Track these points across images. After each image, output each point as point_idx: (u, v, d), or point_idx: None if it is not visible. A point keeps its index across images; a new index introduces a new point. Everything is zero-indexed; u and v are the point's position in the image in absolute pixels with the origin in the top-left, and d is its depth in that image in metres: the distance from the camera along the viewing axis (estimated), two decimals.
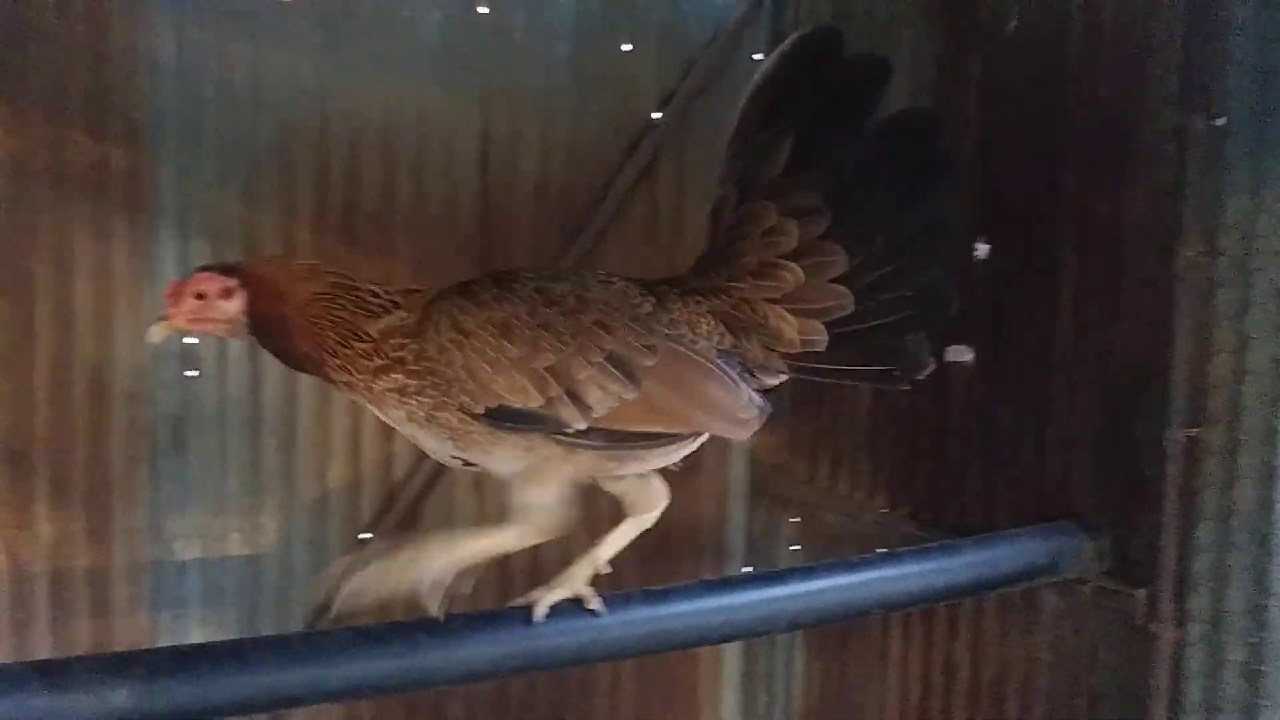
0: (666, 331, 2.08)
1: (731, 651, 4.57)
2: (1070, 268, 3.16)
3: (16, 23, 3.30)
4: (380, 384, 2.06)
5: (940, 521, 3.65)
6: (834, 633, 4.13)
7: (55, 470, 3.45)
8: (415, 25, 3.76)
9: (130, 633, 3.57)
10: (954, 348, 3.54)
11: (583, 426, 2.03)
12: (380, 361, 2.05)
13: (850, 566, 2.66)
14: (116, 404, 3.50)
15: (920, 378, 2.15)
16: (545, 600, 2.15)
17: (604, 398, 2.02)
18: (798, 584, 2.56)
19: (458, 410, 2.04)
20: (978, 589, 2.86)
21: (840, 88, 2.13)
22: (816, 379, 2.19)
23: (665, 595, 2.41)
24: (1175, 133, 2.77)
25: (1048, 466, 3.25)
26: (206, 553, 3.66)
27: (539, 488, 2.11)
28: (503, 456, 2.10)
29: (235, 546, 3.69)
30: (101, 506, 3.51)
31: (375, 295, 2.10)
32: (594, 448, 2.08)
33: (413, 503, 3.87)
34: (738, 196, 2.13)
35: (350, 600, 2.07)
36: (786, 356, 2.14)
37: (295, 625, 3.76)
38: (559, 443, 2.06)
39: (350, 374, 2.08)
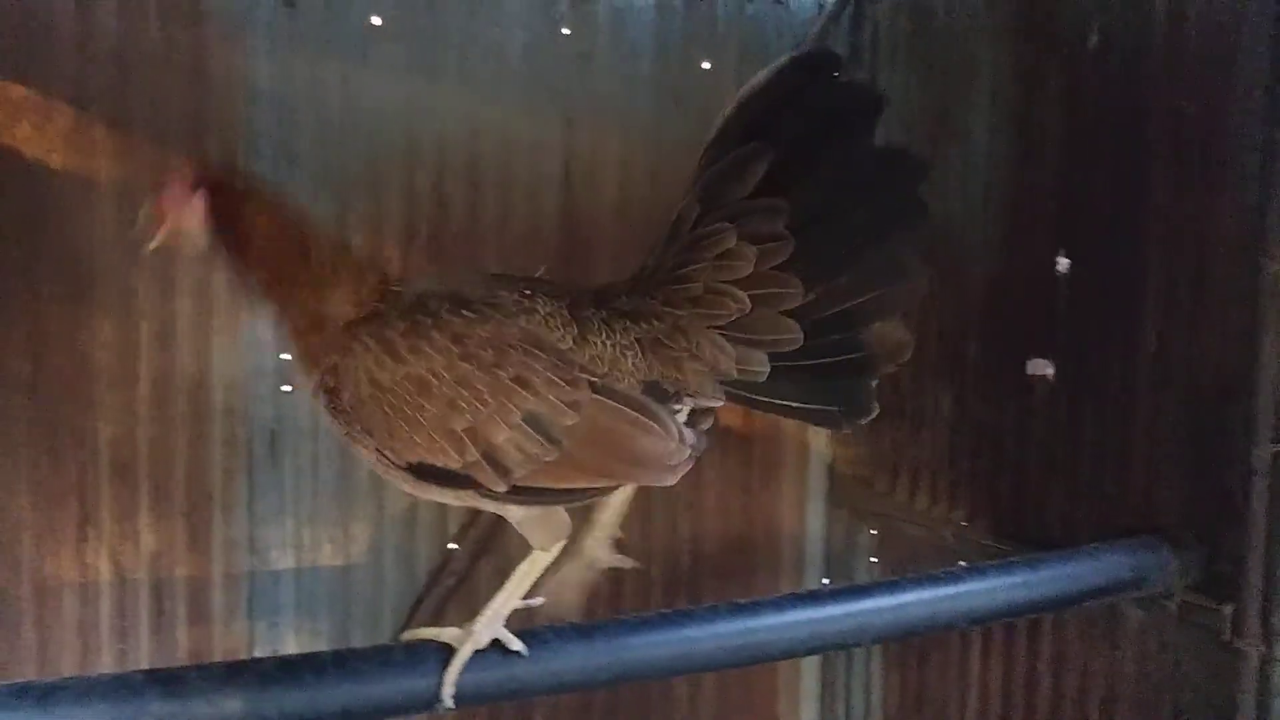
0: (588, 372, 1.96)
1: (810, 662, 4.59)
2: (1154, 281, 3.14)
3: (122, 53, 3.45)
4: (318, 357, 2.00)
5: (1022, 535, 3.63)
6: (913, 644, 4.13)
7: (157, 482, 3.58)
8: (501, 47, 3.85)
9: (227, 640, 3.69)
10: (1035, 361, 3.54)
11: (501, 489, 1.95)
12: (334, 348, 1.98)
13: (935, 580, 2.67)
14: (215, 418, 3.63)
15: (862, 422, 2.03)
16: (453, 665, 2.07)
17: (523, 460, 1.92)
18: (883, 597, 2.58)
19: (379, 456, 1.99)
20: (1061, 604, 2.85)
21: (829, 114, 1.99)
22: (753, 408, 2.07)
23: (753, 608, 2.44)
24: (1262, 146, 2.76)
25: (1131, 480, 3.23)
26: (300, 562, 3.77)
27: (514, 513, 2.07)
28: (435, 498, 2.08)
29: (327, 556, 3.80)
30: (200, 517, 3.64)
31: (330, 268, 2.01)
32: (518, 503, 2.02)
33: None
34: (699, 211, 1.97)
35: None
36: (721, 383, 2.03)
37: (385, 633, 3.86)
38: (485, 496, 2.00)
39: (289, 327, 2.03)
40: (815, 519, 4.57)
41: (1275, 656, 2.78)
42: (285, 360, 3.68)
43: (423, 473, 1.98)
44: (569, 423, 1.93)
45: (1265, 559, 2.78)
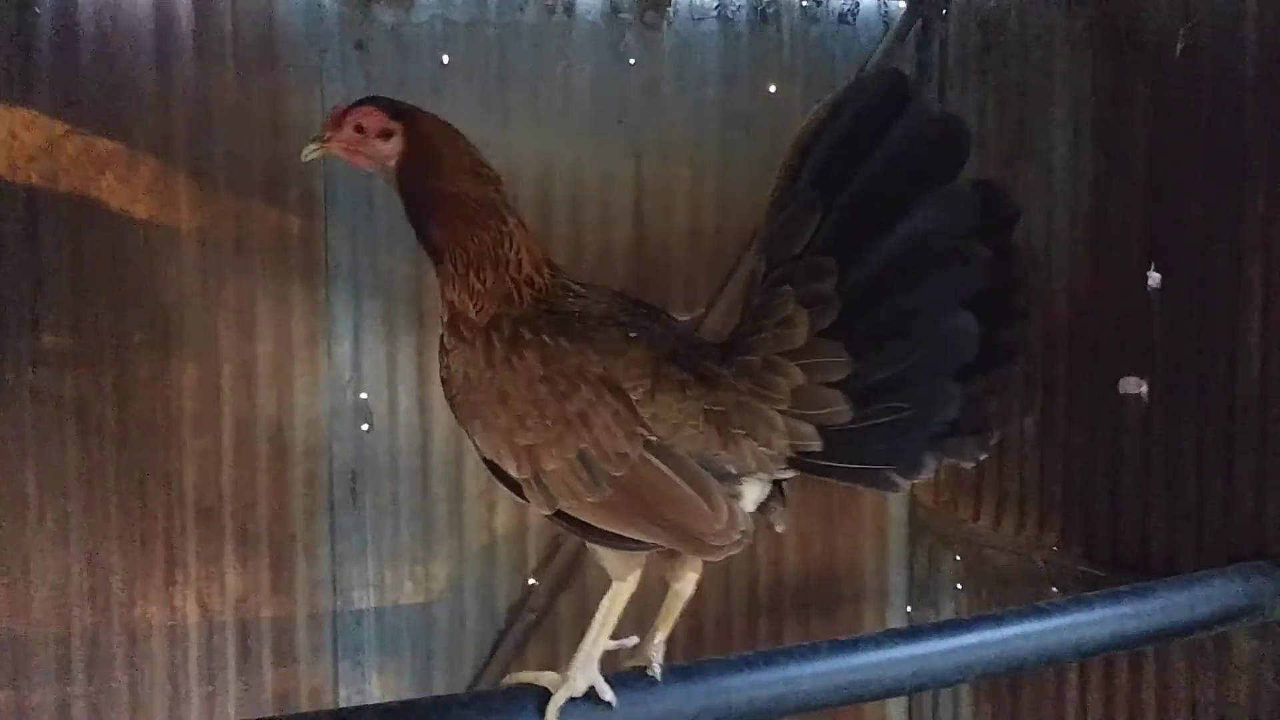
0: (646, 429, 1.93)
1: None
2: (1255, 295, 3.04)
3: (201, 104, 3.51)
4: (445, 340, 2.05)
5: (1117, 561, 3.52)
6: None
7: (241, 524, 3.61)
8: (568, 80, 3.85)
9: (312, 680, 3.70)
10: (1127, 379, 3.44)
11: (547, 512, 1.99)
12: (452, 332, 2.04)
13: (1040, 613, 2.59)
14: (296, 459, 3.65)
15: (917, 480, 1.91)
16: (551, 707, 2.03)
17: (568, 493, 1.95)
18: (987, 631, 2.50)
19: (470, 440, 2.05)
20: (1173, 634, 2.74)
21: (894, 153, 1.78)
22: (809, 474, 1.97)
23: (853, 645, 2.38)
24: None
25: (1237, 503, 3.11)
26: (382, 601, 3.77)
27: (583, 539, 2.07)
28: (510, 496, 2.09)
29: (409, 595, 3.79)
30: (284, 558, 3.66)
31: (515, 265, 2.05)
32: (561, 527, 2.04)
33: (576, 548, 3.91)
34: (766, 268, 1.89)
35: None
36: (776, 460, 1.94)
37: (467, 671, 3.85)
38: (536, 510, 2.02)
39: (446, 299, 2.05)
40: (897, 546, 4.49)
41: None
42: (364, 399, 3.70)
43: (495, 471, 2.04)
44: (616, 473, 1.93)
45: None
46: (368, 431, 3.71)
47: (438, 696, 2.12)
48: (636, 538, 2.00)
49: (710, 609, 4.12)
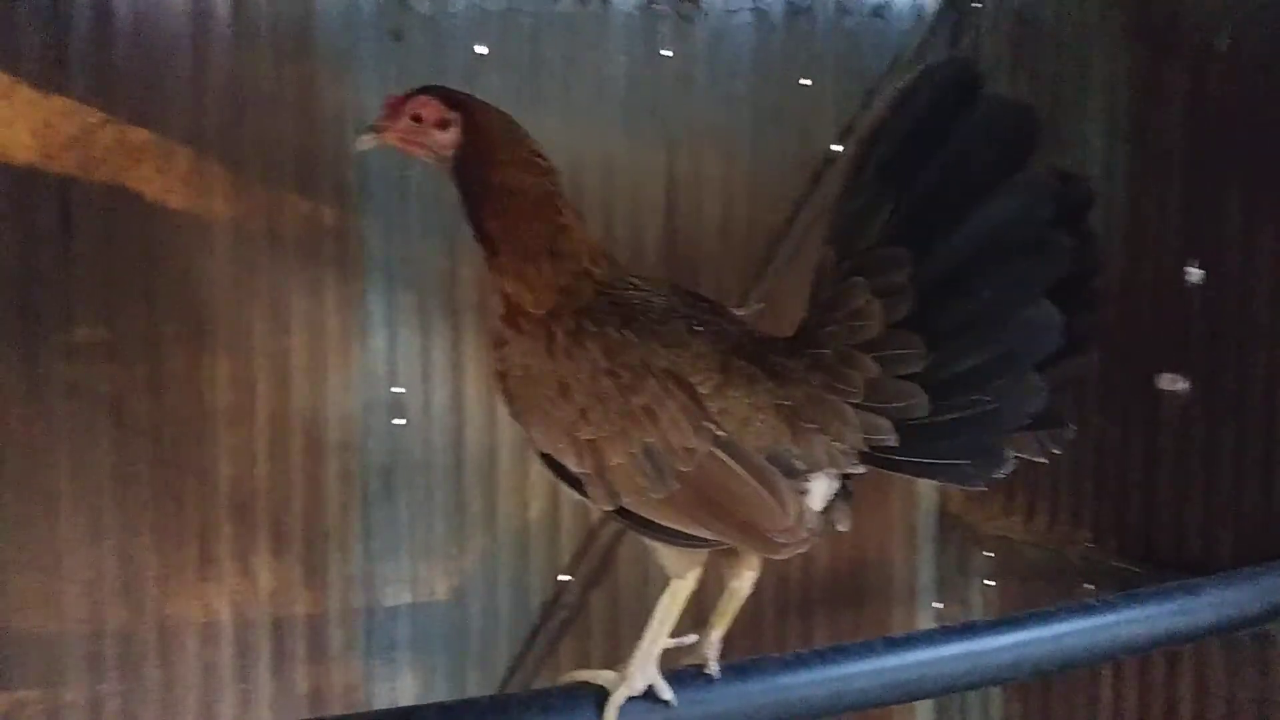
0: (714, 423, 1.88)
1: None
2: None
3: (234, 95, 3.48)
4: (499, 332, 2.00)
5: (1153, 556, 3.52)
6: None
7: (274, 521, 3.58)
8: (602, 70, 3.83)
9: (345, 676, 3.68)
10: (1166, 375, 3.42)
11: (607, 508, 1.94)
12: (508, 325, 1.97)
13: (1090, 610, 2.55)
14: (330, 454, 3.62)
15: (997, 476, 1.84)
16: (611, 707, 1.98)
17: (631, 489, 1.91)
18: (1039, 629, 2.46)
19: (525, 435, 2.00)
20: (1223, 630, 2.71)
21: (966, 144, 1.74)
22: (885, 470, 1.90)
23: (907, 642, 2.35)
24: None
25: (1276, 498, 3.11)
26: (415, 597, 3.74)
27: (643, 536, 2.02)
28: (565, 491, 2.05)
29: (442, 590, 3.77)
30: (317, 554, 3.63)
31: (573, 257, 1.99)
32: (621, 524, 1.99)
33: (609, 544, 3.90)
34: (836, 259, 1.84)
35: None
36: (848, 455, 1.88)
37: (500, 667, 3.83)
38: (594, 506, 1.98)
39: (498, 289, 1.99)
40: (927, 542, 4.47)
41: None
42: (398, 393, 3.67)
43: (552, 465, 1.99)
44: (683, 468, 1.88)
45: None
46: (402, 426, 3.69)
47: (495, 695, 2.10)
48: (701, 535, 1.95)
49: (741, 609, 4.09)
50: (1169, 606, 2.64)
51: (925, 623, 4.40)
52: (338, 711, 3.64)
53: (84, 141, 3.34)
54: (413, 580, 3.73)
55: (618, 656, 3.95)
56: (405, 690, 3.72)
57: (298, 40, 3.51)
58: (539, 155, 2.07)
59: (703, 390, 1.91)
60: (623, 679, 2.03)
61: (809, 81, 4.11)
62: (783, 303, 3.88)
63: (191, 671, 3.52)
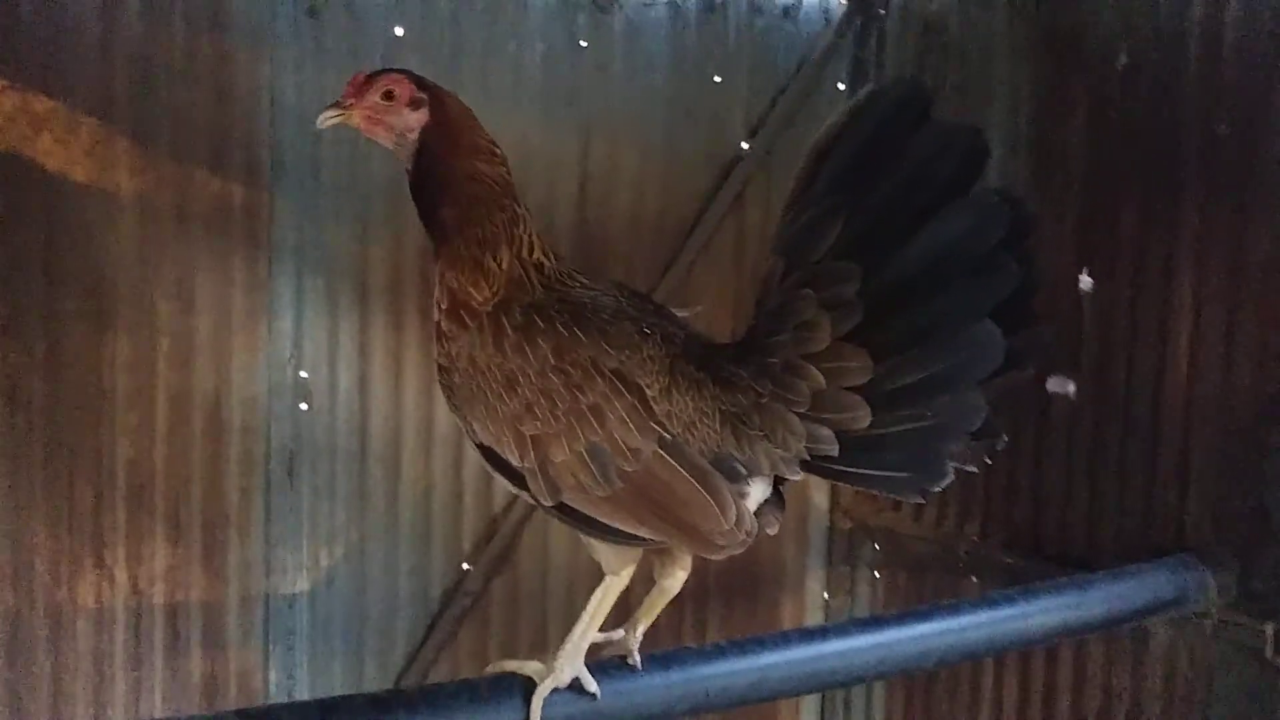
0: (661, 426, 1.93)
1: None
2: (1186, 302, 3.18)
3: (144, 65, 3.36)
4: (444, 327, 2.01)
5: (1038, 552, 3.65)
6: None
7: (172, 505, 3.49)
8: (521, 59, 3.81)
9: (242, 664, 3.60)
10: (1055, 378, 3.56)
11: (548, 504, 1.97)
12: (454, 317, 2.00)
13: (992, 603, 2.68)
14: (232, 438, 3.54)
15: (936, 490, 1.92)
16: (536, 697, 2.02)
17: (575, 485, 1.94)
18: (945, 620, 2.58)
19: (466, 429, 2.03)
20: (1111, 624, 2.87)
21: (916, 166, 1.80)
22: (826, 478, 2.00)
23: (822, 634, 2.45)
24: None
25: (1159, 499, 3.26)
26: (315, 584, 3.68)
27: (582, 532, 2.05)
28: (505, 486, 2.07)
29: (342, 578, 3.72)
30: (216, 540, 3.55)
31: (527, 248, 2.02)
32: (560, 519, 2.02)
33: (512, 533, 3.90)
34: (783, 270, 1.89)
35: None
36: (789, 462, 1.95)
37: (399, 655, 3.80)
38: (534, 500, 2.01)
39: (446, 280, 2.01)
40: (817, 535, 4.56)
41: None
42: (303, 378, 3.61)
43: (490, 458, 2.01)
44: (627, 468, 1.92)
45: None
46: (306, 411, 3.62)
47: (425, 685, 2.12)
48: (640, 534, 1.98)
49: (637, 596, 4.12)
50: (1063, 600, 2.79)
51: (814, 614, 4.49)
52: (233, 700, 3.58)
53: None
54: (313, 567, 3.67)
55: (516, 644, 3.98)
56: (302, 679, 3.66)
57: (212, 12, 3.41)
58: (495, 144, 2.09)
59: (650, 392, 1.95)
60: (550, 670, 2.06)
61: (720, 79, 4.15)
62: (689, 297, 3.93)
63: (83, 659, 3.40)
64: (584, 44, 3.90)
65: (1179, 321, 3.21)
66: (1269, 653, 2.90)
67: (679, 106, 4.08)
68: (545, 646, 3.88)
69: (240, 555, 3.57)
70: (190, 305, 3.45)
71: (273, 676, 3.64)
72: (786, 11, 4.24)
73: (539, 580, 3.94)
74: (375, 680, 3.74)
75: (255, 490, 3.58)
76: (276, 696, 3.61)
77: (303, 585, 3.66)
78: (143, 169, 3.36)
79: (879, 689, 4.39)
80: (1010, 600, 2.72)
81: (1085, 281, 3.48)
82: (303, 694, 3.64)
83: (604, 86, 3.95)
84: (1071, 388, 3.54)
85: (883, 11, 4.32)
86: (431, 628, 3.83)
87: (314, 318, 3.62)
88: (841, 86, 4.33)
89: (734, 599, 4.38)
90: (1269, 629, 2.90)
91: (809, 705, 4.58)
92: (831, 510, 4.54)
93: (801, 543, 4.53)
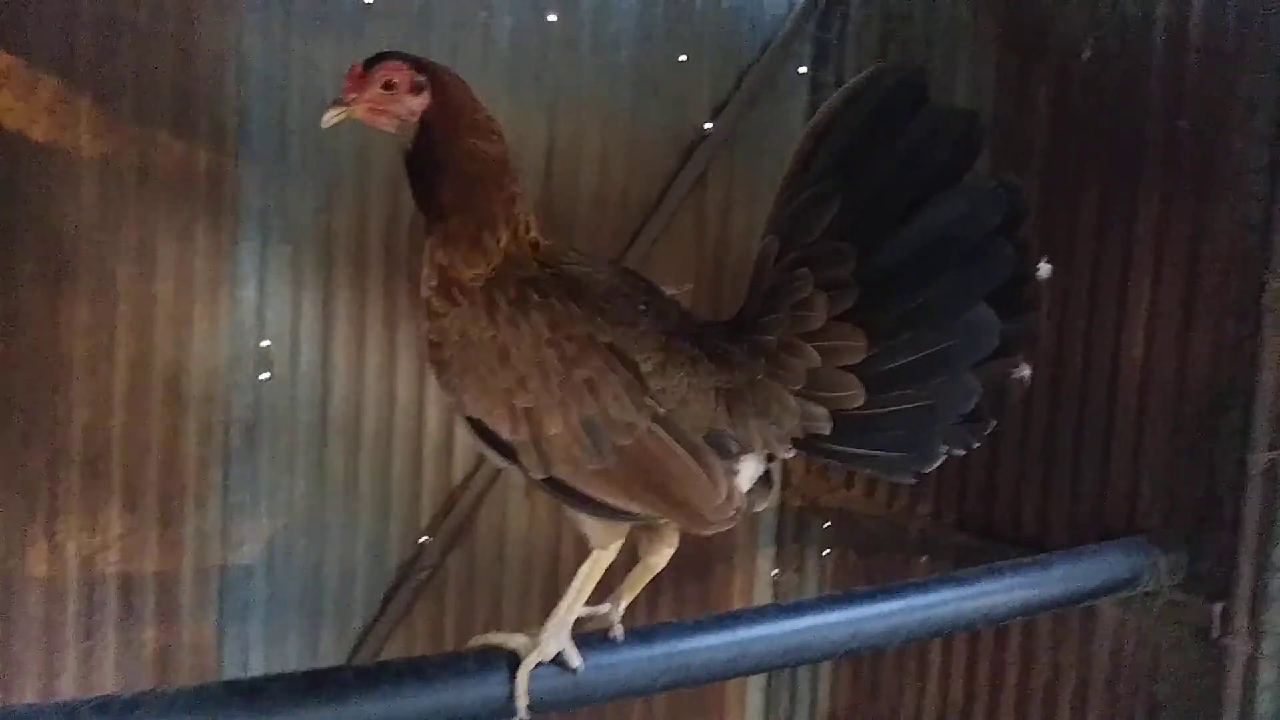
0: (655, 401, 1.93)
1: None
2: (1142, 290, 3.26)
3: (108, 23, 3.27)
4: (435, 304, 1.99)
5: (991, 532, 3.73)
6: None
7: (128, 473, 3.42)
8: (489, 30, 3.78)
9: (196, 637, 3.55)
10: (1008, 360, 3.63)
11: (539, 477, 1.96)
12: (444, 294, 1.97)
13: (958, 581, 2.74)
14: (191, 407, 3.48)
15: (926, 471, 1.93)
16: (522, 671, 2.03)
17: (567, 459, 1.93)
18: (915, 597, 2.63)
19: (455, 401, 2.02)
20: (1068, 602, 2.95)
21: (911, 149, 1.82)
22: (818, 458, 1.99)
23: (797, 609, 2.48)
24: (1268, 169, 2.88)
25: (1112, 483, 3.35)
26: (271, 556, 3.64)
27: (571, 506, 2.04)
28: (491, 460, 2.06)
29: (300, 550, 3.68)
30: (172, 510, 3.49)
31: (525, 226, 2.02)
32: (549, 493, 2.02)
33: (471, 507, 3.89)
34: (779, 250, 1.91)
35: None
36: (782, 440, 1.95)
37: (355, 628, 3.78)
38: (523, 474, 2.00)
39: (436, 257, 1.99)
40: (767, 511, 4.60)
41: (1262, 653, 2.93)
42: (265, 347, 3.55)
43: (480, 431, 1.99)
44: (621, 442, 1.92)
45: (1256, 560, 2.94)
46: (267, 381, 3.57)
47: (411, 658, 2.09)
48: (631, 509, 1.99)
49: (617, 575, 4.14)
50: (1025, 579, 2.86)
51: (763, 591, 4.54)
52: (187, 673, 3.53)
53: None
54: (270, 539, 3.63)
55: (471, 618, 3.97)
56: (257, 652, 3.62)
57: None
58: (494, 121, 2.08)
59: (645, 368, 1.95)
60: (535, 644, 2.06)
61: (685, 58, 4.15)
62: (650, 275, 3.93)
63: (33, 628, 3.32)
64: (552, 18, 3.88)
65: (1135, 310, 3.29)
66: (1215, 632, 3.00)
67: (645, 84, 4.09)
68: (500, 620, 3.89)
69: (197, 525, 3.51)
70: (151, 270, 3.37)
71: (227, 648, 3.59)
72: None
73: (496, 554, 3.94)
74: (330, 653, 3.71)
75: (214, 460, 3.52)
76: (230, 669, 3.57)
77: (260, 557, 3.62)
78: (105, 129, 3.27)
79: (825, 668, 4.45)
80: (975, 579, 2.79)
81: (1044, 269, 3.53)
82: (257, 667, 3.61)
83: (571, 62, 3.94)
84: (1027, 372, 3.60)
85: None
86: (388, 600, 3.81)
87: (277, 286, 3.56)
88: (804, 70, 4.36)
89: (685, 578, 4.41)
90: (1216, 609, 3.00)
91: (755, 679, 4.63)
92: (783, 488, 4.59)
93: (752, 520, 4.57)
